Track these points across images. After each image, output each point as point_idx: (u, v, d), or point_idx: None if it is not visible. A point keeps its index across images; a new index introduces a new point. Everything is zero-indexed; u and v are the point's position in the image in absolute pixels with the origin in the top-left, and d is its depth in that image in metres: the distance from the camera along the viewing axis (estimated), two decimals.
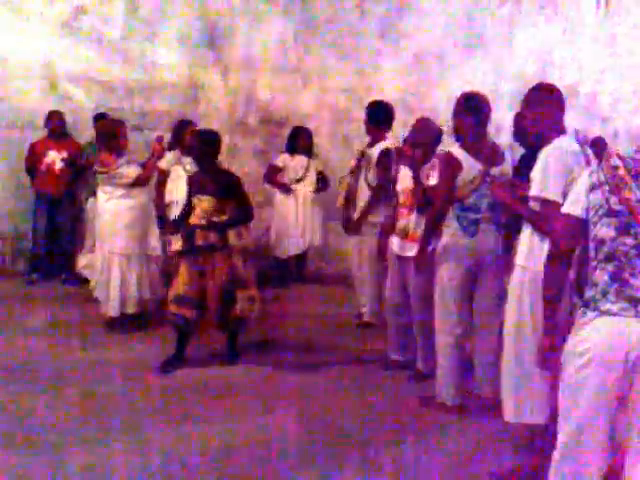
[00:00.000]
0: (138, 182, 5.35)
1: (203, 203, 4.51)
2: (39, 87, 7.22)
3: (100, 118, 6.61)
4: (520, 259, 3.16)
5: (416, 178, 4.26)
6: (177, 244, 4.60)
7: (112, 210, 5.31)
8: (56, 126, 6.80)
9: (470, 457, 3.42)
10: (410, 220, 4.33)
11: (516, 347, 3.17)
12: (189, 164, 6.00)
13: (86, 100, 7.29)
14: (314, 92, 7.72)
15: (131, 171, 5.32)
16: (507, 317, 3.22)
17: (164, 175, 6.08)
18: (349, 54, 7.65)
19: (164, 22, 7.49)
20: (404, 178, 4.44)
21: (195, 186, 4.62)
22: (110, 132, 5.40)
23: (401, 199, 4.44)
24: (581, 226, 2.33)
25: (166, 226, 4.59)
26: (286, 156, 6.93)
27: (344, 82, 7.65)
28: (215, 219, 4.49)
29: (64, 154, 6.79)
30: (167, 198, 6.03)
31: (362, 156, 5.57)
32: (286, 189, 6.92)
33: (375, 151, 5.36)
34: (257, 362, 4.72)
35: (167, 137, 6.95)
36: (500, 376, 3.29)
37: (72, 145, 6.91)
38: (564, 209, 2.41)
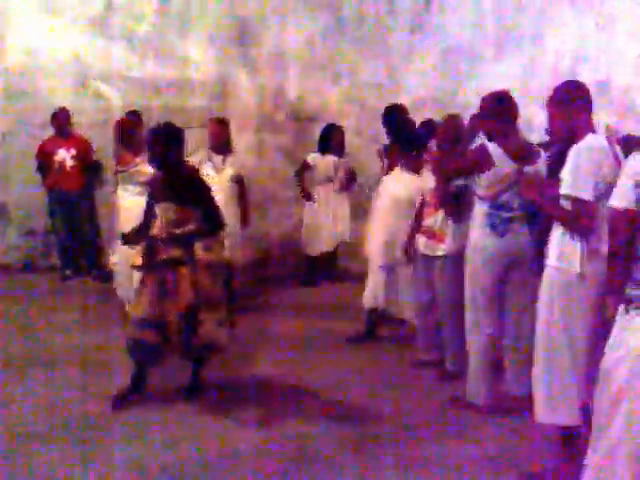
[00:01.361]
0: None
1: (165, 212, 3.91)
2: (70, 85, 7.32)
3: (131, 115, 6.67)
4: (552, 259, 3.12)
5: (439, 179, 4.22)
6: (137, 259, 3.96)
7: (131, 207, 5.26)
8: (62, 124, 6.86)
9: (500, 457, 3.40)
10: (436, 219, 4.32)
11: (548, 347, 3.14)
12: (218, 162, 6.07)
13: (116, 97, 7.36)
14: (343, 89, 7.71)
15: (149, 169, 5.28)
16: (539, 317, 3.19)
17: None
18: (378, 51, 7.63)
19: (194, 19, 7.52)
20: (428, 177, 4.42)
21: (156, 192, 4.02)
22: (127, 130, 5.38)
23: (427, 198, 4.42)
24: (628, 220, 2.32)
25: (124, 237, 4.05)
26: (316, 155, 6.91)
27: (373, 79, 7.63)
28: (177, 230, 3.88)
29: (73, 151, 6.86)
30: None
31: None
32: (307, 195, 6.92)
33: None
34: (285, 360, 4.73)
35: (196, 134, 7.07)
36: (531, 376, 3.26)
37: (80, 142, 6.97)
38: (610, 203, 2.41)
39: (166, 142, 3.86)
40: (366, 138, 7.45)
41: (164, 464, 3.29)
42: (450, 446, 3.52)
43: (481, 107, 3.88)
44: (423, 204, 4.48)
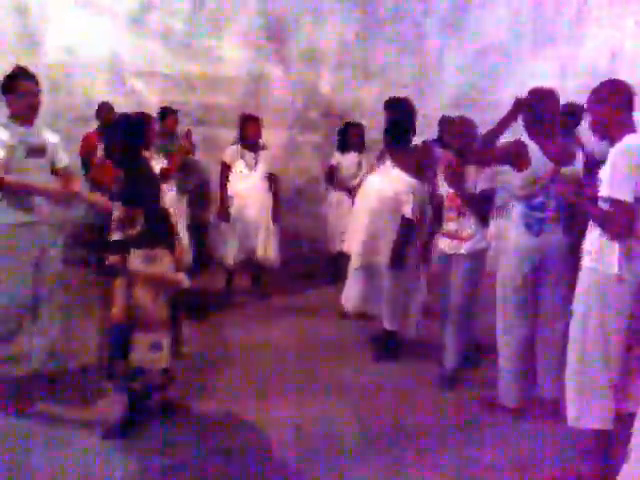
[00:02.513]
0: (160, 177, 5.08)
1: (115, 212, 3.50)
2: (107, 81, 7.41)
3: (165, 112, 6.73)
4: (588, 261, 3.08)
5: (457, 185, 4.23)
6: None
7: None
8: (107, 117, 6.89)
9: (530, 461, 3.37)
10: (460, 224, 4.28)
11: (581, 349, 3.10)
12: (250, 159, 6.09)
13: (151, 94, 7.44)
14: (376, 87, 7.69)
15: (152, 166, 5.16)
16: (573, 320, 3.15)
17: (227, 169, 6.16)
18: (412, 49, 7.60)
19: (229, 17, 7.57)
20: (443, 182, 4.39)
21: (116, 190, 3.58)
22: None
23: (446, 203, 4.36)
24: None
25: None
26: (338, 154, 6.80)
27: (406, 77, 7.60)
28: (114, 235, 3.45)
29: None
30: (229, 192, 6.13)
31: None
32: (348, 190, 6.76)
33: None
34: (307, 358, 4.72)
35: (229, 131, 7.11)
36: (564, 380, 3.22)
37: None
38: None
39: (121, 135, 3.55)
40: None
41: None
42: (479, 448, 3.50)
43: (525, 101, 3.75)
44: (441, 207, 4.40)
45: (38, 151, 3.90)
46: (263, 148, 6.12)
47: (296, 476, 3.22)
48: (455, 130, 4.36)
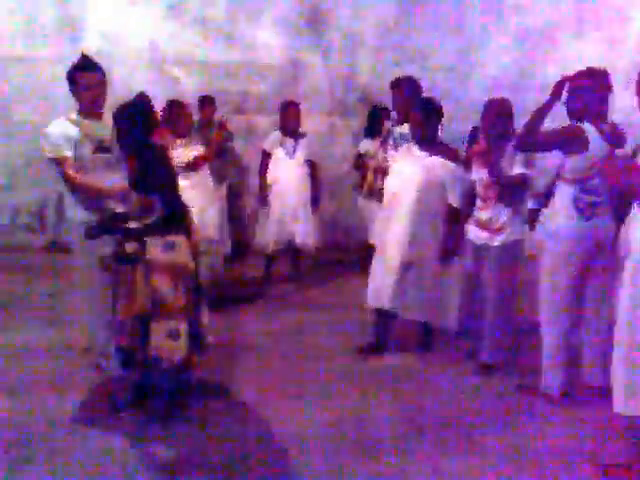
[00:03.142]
0: (192, 165, 5.03)
1: (131, 200, 3.44)
2: (145, 70, 7.45)
3: (203, 101, 6.76)
4: (636, 246, 3.00)
5: (493, 171, 4.06)
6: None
7: None
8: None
9: (576, 449, 3.31)
10: (494, 212, 4.12)
11: (629, 337, 3.02)
12: (290, 146, 6.08)
13: (189, 83, 7.47)
14: (415, 71, 7.57)
15: (186, 154, 5.04)
16: (620, 306, 3.07)
17: (267, 156, 6.17)
18: (452, 31, 7.47)
19: (267, 4, 7.54)
20: (474, 168, 4.24)
21: (129, 177, 3.49)
22: (174, 112, 5.21)
23: (479, 190, 4.19)
24: None
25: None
26: (366, 141, 6.56)
27: (447, 60, 7.49)
28: (133, 223, 3.37)
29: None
30: (269, 179, 6.13)
31: None
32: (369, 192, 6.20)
33: None
34: (344, 349, 4.70)
35: (268, 119, 7.11)
36: (610, 366, 3.15)
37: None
38: None
39: (129, 120, 3.40)
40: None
41: None
42: (523, 436, 3.45)
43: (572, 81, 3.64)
44: (472, 196, 4.24)
45: (105, 146, 3.72)
46: (303, 135, 6.10)
47: (337, 463, 3.21)
48: (491, 113, 4.14)
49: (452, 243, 4.29)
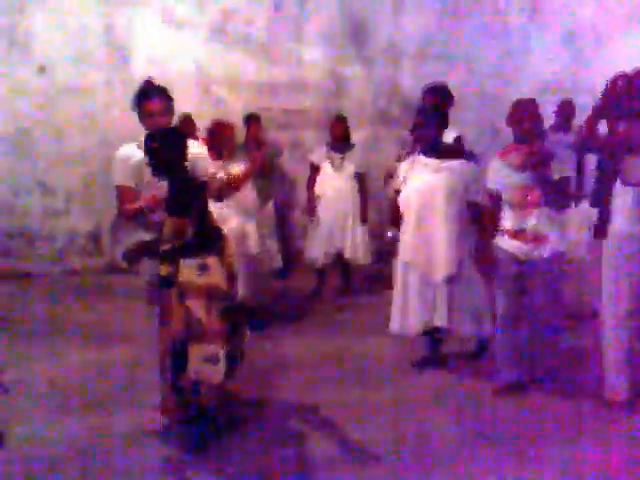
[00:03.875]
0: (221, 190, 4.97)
1: (165, 224, 3.41)
2: (192, 92, 7.57)
3: (249, 119, 6.82)
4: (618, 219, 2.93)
5: (537, 175, 3.82)
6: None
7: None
8: (188, 128, 6.75)
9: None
10: (535, 219, 3.83)
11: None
12: (337, 159, 6.10)
13: (235, 102, 7.56)
14: (460, 77, 7.53)
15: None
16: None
17: (315, 170, 6.20)
18: (496, 36, 7.40)
19: (308, 19, 7.60)
20: (502, 173, 3.94)
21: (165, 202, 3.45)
22: (214, 134, 5.24)
23: (510, 197, 3.88)
24: None
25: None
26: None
27: (491, 65, 7.41)
28: (166, 246, 3.34)
29: None
30: (317, 193, 6.16)
31: None
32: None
33: None
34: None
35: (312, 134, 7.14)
36: None
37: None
38: None
39: (165, 147, 3.36)
40: (484, 127, 7.24)
41: None
42: (586, 445, 3.36)
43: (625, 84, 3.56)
44: (498, 204, 3.96)
45: None
46: (350, 148, 6.10)
47: (398, 475, 3.19)
48: (519, 114, 3.86)
49: (489, 248, 4.02)
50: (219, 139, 5.19)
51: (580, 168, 5.49)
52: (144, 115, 3.67)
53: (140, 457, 3.37)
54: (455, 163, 4.14)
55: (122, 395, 4.06)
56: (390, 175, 5.18)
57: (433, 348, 4.48)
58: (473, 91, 7.48)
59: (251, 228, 5.31)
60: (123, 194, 3.70)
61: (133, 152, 3.70)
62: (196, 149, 3.76)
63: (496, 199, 3.95)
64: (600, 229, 3.78)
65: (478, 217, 4.13)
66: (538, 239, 3.84)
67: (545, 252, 3.84)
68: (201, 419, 3.48)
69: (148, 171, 3.54)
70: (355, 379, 4.31)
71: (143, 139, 3.41)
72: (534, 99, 3.95)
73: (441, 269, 4.15)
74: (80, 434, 3.64)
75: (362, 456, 3.36)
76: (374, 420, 3.72)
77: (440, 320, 4.21)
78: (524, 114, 3.82)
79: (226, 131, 5.29)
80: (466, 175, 4.13)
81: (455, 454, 3.35)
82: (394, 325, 4.32)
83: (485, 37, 7.44)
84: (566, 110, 5.90)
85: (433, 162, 4.16)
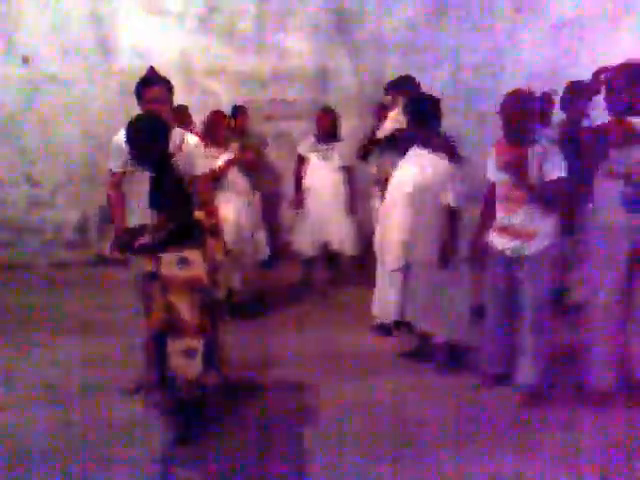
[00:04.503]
0: (218, 172, 5.12)
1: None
2: (178, 83, 7.51)
3: (235, 110, 6.81)
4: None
5: (518, 174, 3.71)
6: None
7: None
8: (183, 119, 6.71)
9: (626, 449, 3.26)
10: (521, 215, 3.74)
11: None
12: (324, 151, 6.09)
13: (222, 93, 7.53)
14: (446, 70, 7.55)
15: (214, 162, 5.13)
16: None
17: (302, 161, 6.20)
18: (483, 29, 7.41)
19: (294, 10, 7.57)
20: (492, 168, 3.91)
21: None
22: (210, 124, 5.40)
23: (501, 192, 3.84)
24: None
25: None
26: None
27: (478, 59, 7.43)
28: (143, 239, 3.32)
29: None
30: (304, 185, 6.16)
31: None
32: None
33: None
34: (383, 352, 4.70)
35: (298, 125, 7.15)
36: None
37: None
38: None
39: (148, 137, 3.29)
40: (471, 119, 7.27)
41: None
42: (573, 435, 3.44)
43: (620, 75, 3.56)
44: (492, 198, 3.91)
45: None
46: (338, 140, 6.10)
47: (391, 461, 3.23)
48: (507, 111, 3.71)
49: (451, 247, 4.08)
50: (218, 129, 5.28)
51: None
52: (145, 102, 3.69)
53: (129, 447, 3.39)
54: (431, 159, 4.14)
55: (112, 386, 4.05)
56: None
57: (418, 339, 4.49)
58: (460, 84, 7.50)
59: (232, 221, 5.36)
60: (114, 179, 3.77)
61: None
62: (192, 143, 3.79)
63: (492, 190, 3.93)
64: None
65: (445, 217, 4.09)
66: (524, 235, 3.74)
67: (531, 249, 3.73)
68: (184, 411, 3.47)
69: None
70: (343, 369, 4.34)
71: (127, 126, 3.34)
72: (529, 93, 3.84)
73: (394, 261, 4.35)
74: (69, 424, 3.65)
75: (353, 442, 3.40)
76: (362, 411, 3.76)
77: (394, 315, 4.42)
78: (513, 112, 3.68)
79: (224, 121, 5.38)
80: (439, 174, 4.09)
81: (450, 442, 3.41)
82: (375, 310, 4.65)
83: (472, 29, 7.45)
84: (545, 103, 5.67)
85: (418, 154, 4.22)
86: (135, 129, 3.29)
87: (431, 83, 7.50)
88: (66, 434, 3.55)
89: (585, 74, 3.66)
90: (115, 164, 3.78)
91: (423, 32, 7.58)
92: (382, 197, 4.79)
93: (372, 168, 5.69)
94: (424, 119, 4.21)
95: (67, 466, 3.25)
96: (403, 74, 5.30)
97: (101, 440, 3.48)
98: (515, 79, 6.88)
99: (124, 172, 3.74)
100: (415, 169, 4.19)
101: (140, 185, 3.66)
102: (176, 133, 3.71)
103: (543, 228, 3.74)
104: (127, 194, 3.83)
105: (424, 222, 4.15)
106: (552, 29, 7.17)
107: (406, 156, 4.33)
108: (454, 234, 4.10)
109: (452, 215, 4.10)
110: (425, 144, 4.20)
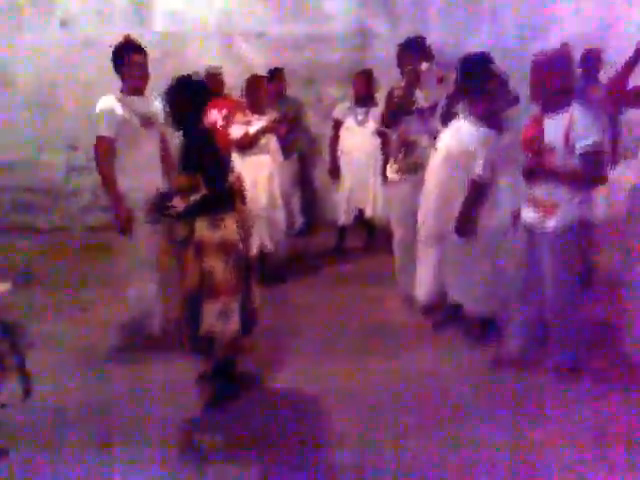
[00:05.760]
0: (238, 144, 5.18)
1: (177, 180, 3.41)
2: (215, 46, 7.48)
3: (273, 73, 6.72)
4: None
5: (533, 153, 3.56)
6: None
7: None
8: (216, 82, 6.25)
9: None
10: (543, 187, 3.54)
11: None
12: (361, 114, 6.00)
13: (259, 56, 7.44)
14: (486, 32, 7.33)
15: (236, 131, 5.23)
16: None
17: (337, 125, 6.12)
18: None
19: None
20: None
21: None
22: (249, 87, 5.36)
23: (527, 161, 3.64)
24: None
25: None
26: None
27: (520, 17, 7.20)
28: (176, 204, 3.29)
29: (224, 112, 6.80)
30: (339, 149, 6.10)
31: None
32: None
33: None
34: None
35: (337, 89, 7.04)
36: None
37: (232, 103, 6.84)
38: None
39: (177, 99, 3.35)
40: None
41: None
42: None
43: None
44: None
45: (149, 121, 4.01)
46: (374, 104, 5.96)
47: (415, 425, 3.23)
48: (531, 71, 3.49)
49: (470, 215, 3.92)
50: (258, 93, 5.21)
51: (615, 126, 5.25)
52: (128, 67, 3.92)
53: (163, 408, 3.45)
54: (468, 127, 3.99)
55: (150, 348, 4.11)
56: None
57: (447, 309, 4.42)
58: (499, 45, 7.28)
59: (263, 185, 5.29)
60: (107, 145, 3.92)
61: (114, 105, 3.93)
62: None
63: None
64: None
65: (469, 186, 3.93)
66: (545, 208, 3.54)
67: (551, 222, 3.52)
68: (219, 374, 3.53)
69: (131, 124, 3.87)
70: (375, 342, 4.29)
71: (164, 90, 3.39)
72: (560, 52, 3.55)
73: (426, 231, 4.22)
74: (105, 385, 3.73)
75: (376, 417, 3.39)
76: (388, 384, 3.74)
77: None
78: (532, 76, 3.46)
79: (264, 85, 5.31)
80: (470, 141, 3.94)
81: (472, 411, 3.39)
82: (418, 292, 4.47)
83: None
84: (592, 61, 5.42)
85: (458, 121, 4.08)
86: (178, 90, 3.33)
87: (471, 46, 7.36)
88: (101, 395, 3.62)
89: (634, 34, 3.50)
90: (108, 130, 3.91)
91: None
92: (402, 165, 4.66)
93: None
94: (470, 80, 3.98)
95: (101, 426, 3.32)
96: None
97: (135, 400, 3.55)
98: (559, 37, 6.66)
99: (115, 137, 3.90)
100: (451, 136, 4.07)
101: (148, 146, 3.96)
102: None
103: (567, 202, 3.48)
104: (123, 157, 3.96)
105: (455, 193, 4.00)
106: None
107: (449, 125, 4.17)
108: (470, 206, 3.93)
109: (474, 186, 3.91)
110: (468, 107, 4.01)
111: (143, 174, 3.96)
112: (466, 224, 3.95)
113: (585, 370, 3.68)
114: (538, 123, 3.53)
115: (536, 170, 3.53)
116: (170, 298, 3.79)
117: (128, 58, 3.91)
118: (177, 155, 3.44)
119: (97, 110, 3.96)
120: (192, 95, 3.34)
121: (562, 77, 3.44)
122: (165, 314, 4.13)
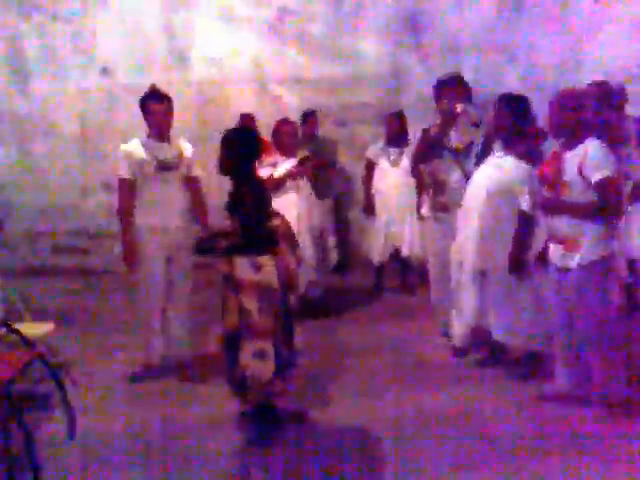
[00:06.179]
0: (274, 182, 5.12)
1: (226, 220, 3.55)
2: (251, 91, 7.64)
3: (306, 115, 6.84)
4: None
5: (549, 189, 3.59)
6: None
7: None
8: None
9: None
10: (567, 223, 3.52)
11: None
12: (394, 155, 6.05)
13: (294, 99, 7.58)
14: (521, 70, 7.36)
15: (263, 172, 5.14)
16: None
17: (371, 166, 6.18)
18: (559, 27, 7.19)
19: (366, 14, 7.54)
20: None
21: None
22: (278, 131, 5.43)
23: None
24: None
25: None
26: None
27: (553, 57, 7.22)
28: (223, 242, 3.48)
29: None
30: (373, 189, 6.14)
31: None
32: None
33: None
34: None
35: (371, 129, 7.11)
36: None
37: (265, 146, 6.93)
38: None
39: (228, 149, 3.52)
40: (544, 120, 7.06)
41: None
42: None
43: None
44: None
45: (168, 165, 4.24)
46: (407, 144, 6.02)
47: (460, 463, 3.20)
48: (560, 106, 3.53)
49: (522, 253, 3.94)
50: (283, 137, 5.28)
51: None
52: (149, 115, 4.20)
53: (206, 444, 3.48)
54: (510, 161, 4.03)
55: (193, 387, 4.17)
56: None
57: (491, 347, 4.37)
58: (534, 83, 7.30)
59: (307, 222, 5.33)
60: (127, 187, 4.22)
61: (136, 148, 4.22)
62: (189, 148, 4.34)
63: None
64: None
65: (518, 223, 3.96)
66: (568, 245, 3.52)
67: (574, 260, 3.50)
68: (260, 412, 3.55)
69: (149, 166, 4.14)
70: (418, 378, 4.28)
71: (224, 134, 3.57)
72: (571, 89, 3.65)
73: (470, 266, 4.14)
74: (148, 424, 3.76)
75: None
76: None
77: (472, 319, 4.23)
78: (550, 113, 3.56)
79: (289, 129, 5.36)
80: (514, 177, 3.98)
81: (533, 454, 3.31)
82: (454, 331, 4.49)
83: (547, 26, 7.24)
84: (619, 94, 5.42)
85: (498, 155, 4.13)
86: (231, 141, 3.53)
87: (505, 83, 7.39)
88: (145, 433, 3.65)
89: None
90: (125, 171, 4.20)
91: (496, 31, 7.41)
92: (433, 204, 4.69)
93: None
94: (512, 119, 4.06)
95: (147, 465, 3.35)
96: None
97: (179, 438, 3.57)
98: (594, 74, 6.67)
99: (135, 179, 4.19)
100: (492, 172, 4.07)
101: (164, 187, 4.21)
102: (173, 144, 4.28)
103: (590, 237, 3.47)
104: (142, 195, 4.23)
105: (500, 228, 4.01)
106: (632, 24, 6.88)
107: (486, 160, 4.21)
108: (522, 240, 3.95)
109: (524, 220, 3.94)
110: (508, 145, 4.07)
111: (159, 212, 4.22)
112: (518, 260, 3.96)
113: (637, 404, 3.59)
114: (557, 158, 3.58)
115: (552, 204, 3.57)
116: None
117: (149, 107, 4.20)
118: (228, 200, 3.51)
119: (119, 152, 4.27)
120: (248, 147, 3.53)
121: (576, 115, 3.51)
122: None
